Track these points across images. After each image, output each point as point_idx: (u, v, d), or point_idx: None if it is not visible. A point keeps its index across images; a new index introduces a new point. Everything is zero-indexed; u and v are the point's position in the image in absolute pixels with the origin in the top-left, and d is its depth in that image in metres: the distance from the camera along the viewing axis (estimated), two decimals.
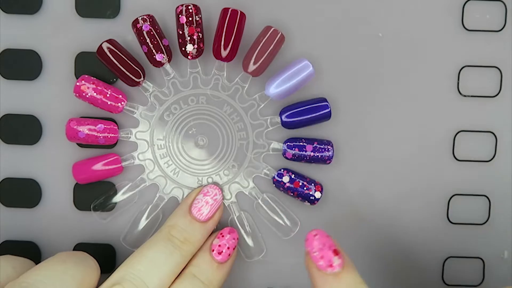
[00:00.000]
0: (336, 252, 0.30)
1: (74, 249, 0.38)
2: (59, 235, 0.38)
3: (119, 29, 0.38)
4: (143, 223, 0.37)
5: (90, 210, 0.38)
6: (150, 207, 0.37)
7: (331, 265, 0.29)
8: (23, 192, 0.38)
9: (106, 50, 0.36)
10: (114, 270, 0.36)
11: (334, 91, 0.38)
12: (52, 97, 0.38)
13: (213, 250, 0.35)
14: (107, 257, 0.38)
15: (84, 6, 0.38)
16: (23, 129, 0.38)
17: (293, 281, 0.38)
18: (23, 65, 0.38)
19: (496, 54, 0.37)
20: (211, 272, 0.34)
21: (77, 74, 0.38)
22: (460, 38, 0.37)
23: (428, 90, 0.38)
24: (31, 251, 0.38)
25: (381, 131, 0.38)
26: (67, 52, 0.38)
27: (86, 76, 0.36)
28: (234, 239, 0.36)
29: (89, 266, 0.33)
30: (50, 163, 0.38)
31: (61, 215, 0.38)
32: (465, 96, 0.38)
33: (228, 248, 0.35)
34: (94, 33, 0.38)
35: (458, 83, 0.38)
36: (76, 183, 0.38)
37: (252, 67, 0.37)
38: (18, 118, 0.38)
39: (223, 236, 0.35)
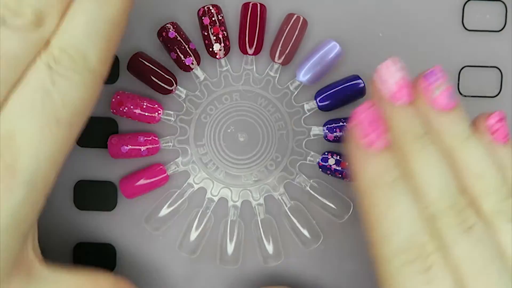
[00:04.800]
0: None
1: (74, 249, 0.38)
2: (59, 235, 0.38)
3: None
4: (196, 228, 0.37)
5: (90, 210, 0.38)
6: (200, 211, 0.37)
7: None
8: None
9: (135, 64, 0.36)
10: (114, 270, 0.37)
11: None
12: None
13: None
14: (107, 257, 0.38)
15: None
16: None
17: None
18: None
19: (496, 54, 0.37)
20: None
21: None
22: (460, 38, 0.37)
23: None
24: None
25: None
26: None
27: (121, 91, 0.36)
28: None
29: None
30: None
31: (61, 215, 0.38)
32: (465, 96, 0.38)
33: None
34: None
35: (458, 84, 0.38)
36: (76, 182, 0.38)
37: (279, 56, 0.37)
38: None
39: None
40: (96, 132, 0.38)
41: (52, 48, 0.27)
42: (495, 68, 0.37)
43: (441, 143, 0.29)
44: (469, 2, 0.37)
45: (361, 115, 0.29)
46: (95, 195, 0.38)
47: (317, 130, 0.37)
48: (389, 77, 0.29)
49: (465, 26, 0.37)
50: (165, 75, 0.36)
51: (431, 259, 0.26)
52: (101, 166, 0.38)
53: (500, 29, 0.38)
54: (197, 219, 0.37)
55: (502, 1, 0.37)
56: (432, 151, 0.28)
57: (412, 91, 0.29)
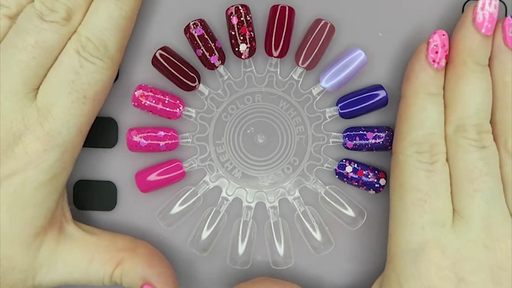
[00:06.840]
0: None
1: None
2: None
3: None
4: (209, 226, 0.37)
5: (90, 210, 0.38)
6: (214, 210, 0.37)
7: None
8: None
9: (160, 59, 0.36)
10: None
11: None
12: None
13: None
14: None
15: None
16: None
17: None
18: None
19: None
20: None
21: None
22: None
23: None
24: None
25: None
26: None
27: (143, 85, 0.36)
28: None
29: None
30: None
31: None
32: None
33: None
34: None
35: None
36: (76, 182, 0.38)
37: (304, 61, 0.37)
38: None
39: None
40: (96, 132, 0.38)
41: (80, 37, 0.33)
42: None
43: (501, 76, 0.33)
44: (469, 2, 0.37)
45: (440, 36, 0.34)
46: (94, 195, 0.38)
47: (337, 137, 0.37)
48: (486, 9, 0.33)
49: None
50: (189, 72, 0.36)
51: (438, 156, 0.32)
52: (101, 166, 0.38)
53: None
54: (210, 218, 0.37)
55: (502, 1, 0.37)
56: (484, 79, 0.33)
57: (495, 27, 0.34)
